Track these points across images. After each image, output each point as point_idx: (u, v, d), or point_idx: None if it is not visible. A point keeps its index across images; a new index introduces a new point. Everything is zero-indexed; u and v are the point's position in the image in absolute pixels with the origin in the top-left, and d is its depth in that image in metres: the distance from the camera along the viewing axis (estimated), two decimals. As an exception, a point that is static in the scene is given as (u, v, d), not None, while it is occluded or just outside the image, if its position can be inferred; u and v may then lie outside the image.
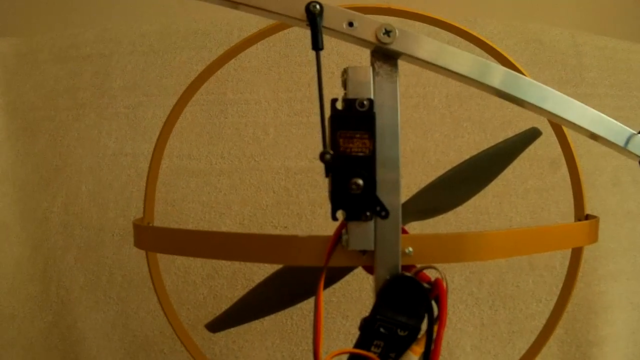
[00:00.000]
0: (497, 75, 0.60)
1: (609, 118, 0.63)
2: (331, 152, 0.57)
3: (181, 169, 1.38)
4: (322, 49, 0.57)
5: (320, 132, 0.58)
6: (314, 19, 0.57)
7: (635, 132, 0.63)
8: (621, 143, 0.63)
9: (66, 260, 1.37)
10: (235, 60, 0.93)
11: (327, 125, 0.59)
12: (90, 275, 1.36)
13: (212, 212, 1.36)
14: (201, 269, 1.33)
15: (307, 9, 0.57)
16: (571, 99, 0.61)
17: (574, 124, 0.62)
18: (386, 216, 0.58)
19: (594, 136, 0.64)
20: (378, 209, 0.58)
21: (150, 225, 0.89)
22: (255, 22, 1.44)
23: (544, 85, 0.61)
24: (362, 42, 0.59)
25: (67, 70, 1.49)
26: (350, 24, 0.57)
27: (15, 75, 1.51)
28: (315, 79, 0.57)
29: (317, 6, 0.57)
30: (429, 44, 0.59)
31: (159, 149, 0.90)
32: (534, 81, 0.61)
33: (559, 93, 0.61)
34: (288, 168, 1.36)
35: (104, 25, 1.54)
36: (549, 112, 0.61)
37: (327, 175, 0.58)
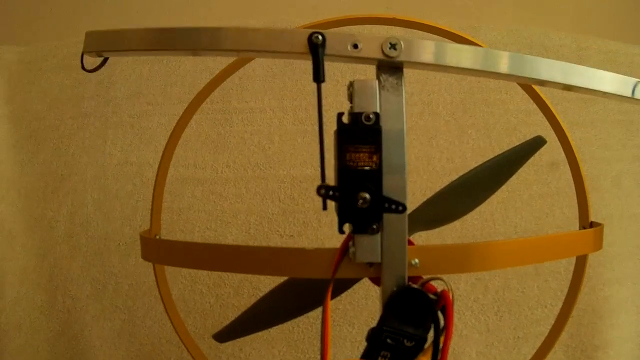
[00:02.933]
0: (503, 61, 0.60)
1: (610, 73, 0.64)
2: (327, 185, 0.58)
3: (187, 178, 1.38)
4: (323, 81, 0.57)
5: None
6: (315, 51, 0.57)
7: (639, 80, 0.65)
8: (628, 93, 0.64)
9: (72, 269, 1.37)
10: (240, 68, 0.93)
11: (333, 139, 0.59)
12: (96, 284, 1.36)
13: (217, 221, 1.36)
14: (208, 278, 1.34)
15: (310, 40, 0.57)
16: (575, 65, 0.62)
17: (584, 88, 0.63)
18: (403, 210, 0.59)
19: (605, 95, 0.65)
20: (393, 206, 0.58)
21: (158, 237, 0.89)
22: (259, 31, 1.44)
23: (547, 59, 0.61)
24: (369, 60, 0.59)
25: (72, 79, 1.49)
26: (355, 46, 0.57)
27: (19, 83, 1.51)
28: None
29: (320, 37, 0.57)
30: (432, 47, 0.59)
31: (165, 162, 0.90)
32: (537, 57, 0.61)
33: (563, 62, 0.62)
34: (293, 176, 1.36)
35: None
36: (559, 83, 0.62)
37: (324, 209, 0.58)
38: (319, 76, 0.57)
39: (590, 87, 0.63)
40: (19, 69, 1.52)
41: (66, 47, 1.53)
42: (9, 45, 1.56)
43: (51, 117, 1.47)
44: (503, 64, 0.60)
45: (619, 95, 0.65)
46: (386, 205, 0.58)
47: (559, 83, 0.62)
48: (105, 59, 0.68)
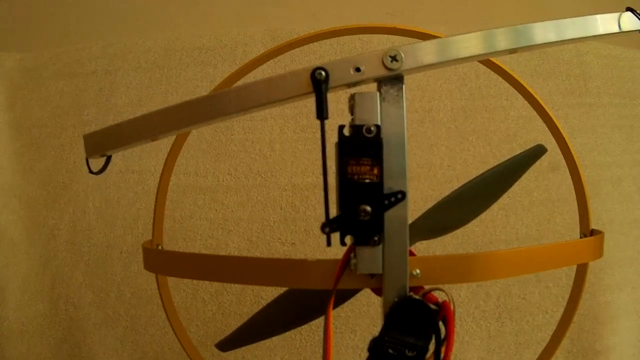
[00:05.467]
0: (498, 38, 0.61)
1: (596, 15, 0.64)
2: (330, 220, 0.57)
3: (188, 186, 1.38)
4: (327, 118, 0.57)
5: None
6: (319, 87, 0.57)
7: (622, 12, 0.65)
8: (615, 29, 0.64)
9: (74, 277, 1.37)
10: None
11: (334, 151, 0.59)
12: (98, 292, 1.37)
13: (219, 229, 1.36)
14: (210, 286, 1.34)
15: (313, 77, 0.57)
16: (564, 20, 0.62)
17: (577, 38, 0.63)
18: (403, 197, 0.59)
19: (596, 37, 0.65)
20: (393, 199, 0.59)
21: (160, 247, 0.89)
22: (259, 38, 1.45)
23: (540, 23, 0.61)
24: (372, 79, 0.59)
25: (72, 87, 1.49)
26: (358, 69, 0.57)
27: (20, 91, 1.51)
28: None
29: (323, 73, 0.57)
30: (432, 46, 0.59)
31: (167, 173, 0.90)
32: (531, 24, 0.61)
33: (553, 21, 0.62)
34: (295, 184, 1.37)
35: (109, 40, 1.55)
36: (556, 41, 0.62)
37: (328, 245, 0.58)
38: (322, 113, 0.57)
39: (585, 34, 0.63)
40: (20, 77, 1.53)
41: (66, 54, 1.53)
42: (9, 52, 1.56)
43: (52, 125, 1.47)
44: (500, 40, 0.60)
45: (608, 34, 0.65)
46: (386, 202, 0.58)
47: (556, 42, 0.62)
48: (109, 158, 0.68)
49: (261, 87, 0.59)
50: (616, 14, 0.64)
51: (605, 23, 0.64)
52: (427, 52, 0.59)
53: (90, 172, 0.69)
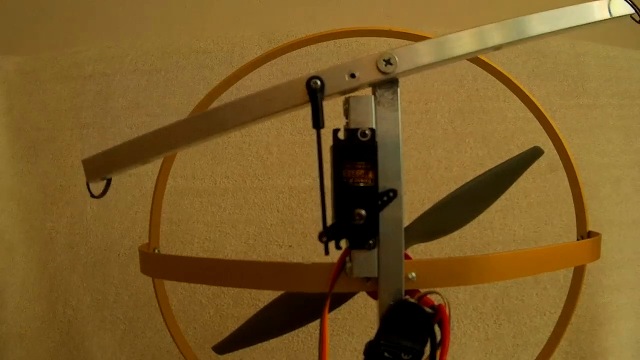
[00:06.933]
0: (495, 34, 0.61)
1: (587, 4, 0.64)
2: (327, 229, 0.58)
3: (185, 189, 1.38)
4: (323, 127, 0.57)
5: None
6: (314, 96, 0.56)
7: None
8: (606, 15, 0.64)
9: (72, 280, 1.37)
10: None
11: (330, 156, 0.59)
12: (96, 295, 1.36)
13: (216, 232, 1.36)
14: (207, 289, 1.34)
15: (308, 85, 0.57)
16: (558, 9, 0.62)
17: (569, 27, 0.63)
18: (394, 196, 0.59)
19: (588, 24, 0.65)
20: (385, 198, 0.59)
21: (156, 250, 0.89)
22: (256, 40, 1.44)
23: (533, 14, 0.62)
24: (367, 84, 0.59)
25: (70, 90, 1.49)
26: (353, 75, 0.57)
27: (18, 93, 1.51)
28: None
29: (318, 82, 0.57)
30: (425, 47, 0.59)
31: (163, 177, 0.90)
32: (522, 17, 0.62)
33: (547, 11, 0.62)
34: (292, 187, 1.36)
35: (106, 43, 1.54)
36: (549, 32, 0.62)
37: (326, 254, 0.58)
38: (318, 122, 0.56)
39: (578, 23, 0.63)
40: (18, 80, 1.52)
41: (64, 58, 1.53)
42: (7, 55, 1.56)
43: (50, 128, 1.47)
44: (493, 36, 0.60)
45: (599, 21, 0.65)
46: (379, 202, 0.58)
47: (549, 32, 0.62)
48: (109, 181, 0.68)
49: (257, 100, 0.59)
50: (605, 1, 0.65)
51: (596, 10, 0.64)
52: (421, 53, 0.59)
53: (92, 196, 0.68)
